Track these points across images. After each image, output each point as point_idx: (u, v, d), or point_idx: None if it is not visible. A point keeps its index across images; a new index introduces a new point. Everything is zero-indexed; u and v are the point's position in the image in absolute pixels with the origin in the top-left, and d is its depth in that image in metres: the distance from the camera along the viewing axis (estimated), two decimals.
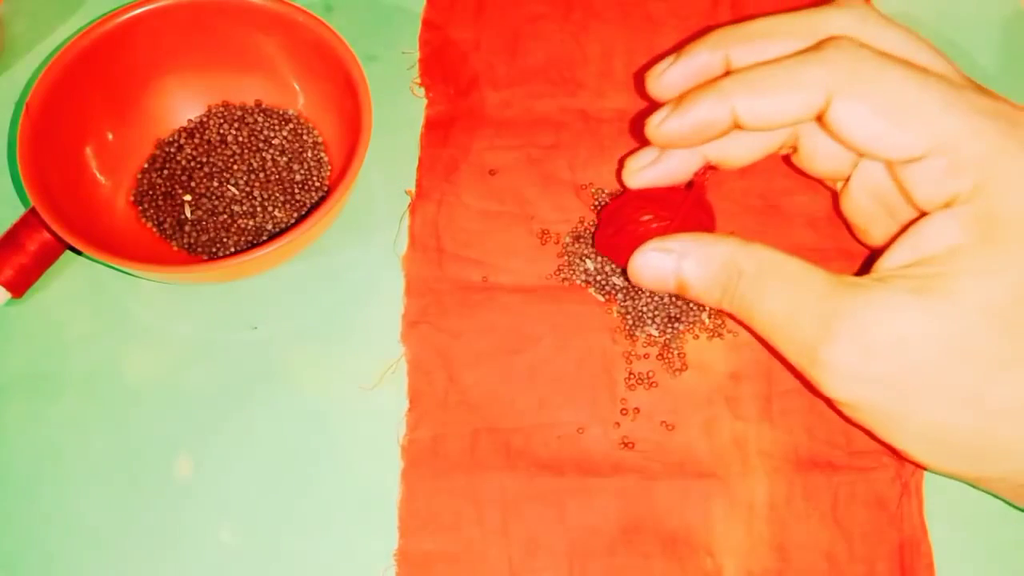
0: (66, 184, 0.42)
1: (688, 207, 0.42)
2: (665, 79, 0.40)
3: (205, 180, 0.46)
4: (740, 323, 0.41)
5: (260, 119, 0.47)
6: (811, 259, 0.44)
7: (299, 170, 0.46)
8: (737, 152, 0.41)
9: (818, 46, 0.36)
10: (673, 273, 0.38)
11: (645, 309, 0.43)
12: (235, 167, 0.46)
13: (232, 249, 0.45)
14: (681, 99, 0.38)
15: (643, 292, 0.43)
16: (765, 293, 0.36)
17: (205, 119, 0.47)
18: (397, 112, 0.48)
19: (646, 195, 0.42)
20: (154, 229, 0.45)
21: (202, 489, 0.40)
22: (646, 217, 0.41)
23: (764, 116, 0.37)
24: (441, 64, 0.50)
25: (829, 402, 0.37)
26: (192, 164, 0.46)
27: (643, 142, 0.48)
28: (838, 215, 0.44)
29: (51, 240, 0.43)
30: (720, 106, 0.37)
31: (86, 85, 0.43)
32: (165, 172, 0.46)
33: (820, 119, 0.36)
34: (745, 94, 0.36)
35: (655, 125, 0.39)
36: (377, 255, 0.45)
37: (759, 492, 0.40)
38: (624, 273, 0.43)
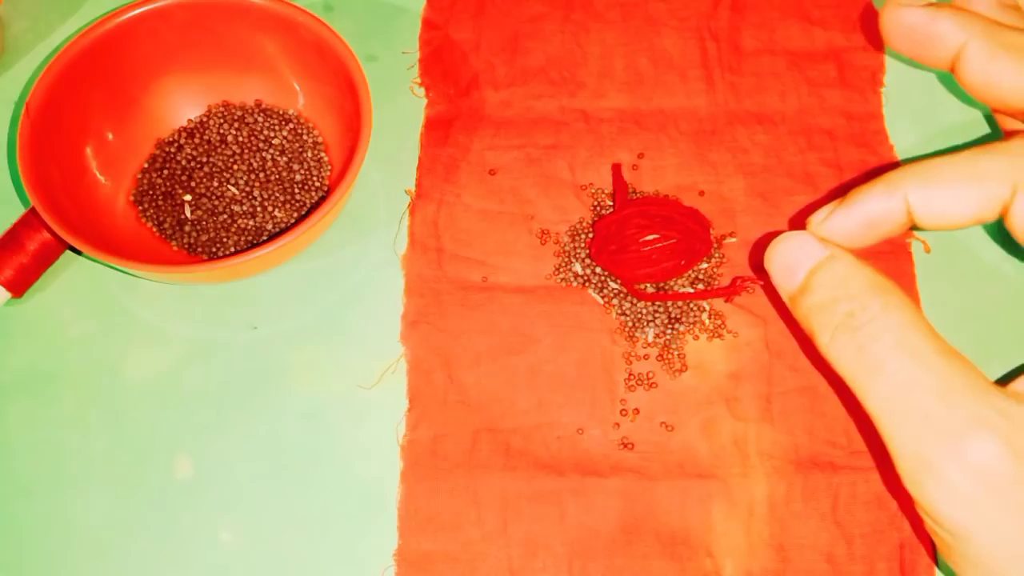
0: (66, 184, 0.42)
1: (690, 223, 0.43)
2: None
3: (205, 180, 0.46)
4: (828, 372, 0.38)
5: (260, 119, 0.47)
6: None
7: (299, 170, 0.46)
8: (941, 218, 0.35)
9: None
10: (811, 263, 0.33)
11: (645, 311, 0.43)
12: (235, 167, 0.46)
13: (232, 249, 0.45)
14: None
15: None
16: (897, 353, 0.30)
17: (205, 119, 0.47)
18: (397, 112, 0.48)
19: (646, 211, 0.43)
20: (154, 229, 0.45)
21: (202, 489, 0.40)
22: (651, 236, 0.42)
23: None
24: (441, 64, 0.50)
25: (914, 511, 0.32)
26: (192, 164, 0.46)
27: (642, 143, 0.48)
28: None
29: (51, 240, 0.43)
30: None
31: (86, 85, 0.43)
32: (165, 172, 0.46)
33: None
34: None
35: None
36: (377, 255, 0.45)
37: (759, 492, 0.40)
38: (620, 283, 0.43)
